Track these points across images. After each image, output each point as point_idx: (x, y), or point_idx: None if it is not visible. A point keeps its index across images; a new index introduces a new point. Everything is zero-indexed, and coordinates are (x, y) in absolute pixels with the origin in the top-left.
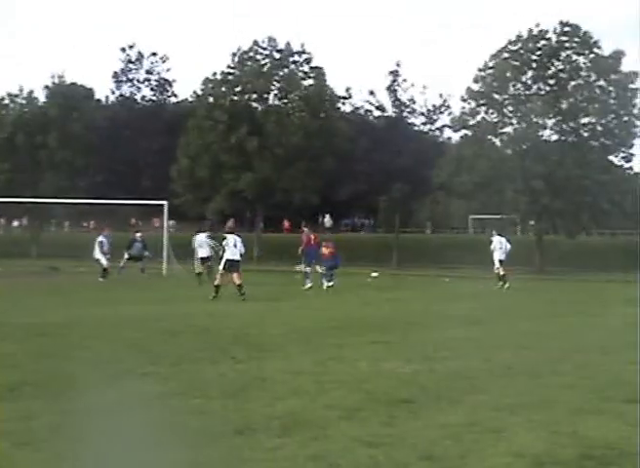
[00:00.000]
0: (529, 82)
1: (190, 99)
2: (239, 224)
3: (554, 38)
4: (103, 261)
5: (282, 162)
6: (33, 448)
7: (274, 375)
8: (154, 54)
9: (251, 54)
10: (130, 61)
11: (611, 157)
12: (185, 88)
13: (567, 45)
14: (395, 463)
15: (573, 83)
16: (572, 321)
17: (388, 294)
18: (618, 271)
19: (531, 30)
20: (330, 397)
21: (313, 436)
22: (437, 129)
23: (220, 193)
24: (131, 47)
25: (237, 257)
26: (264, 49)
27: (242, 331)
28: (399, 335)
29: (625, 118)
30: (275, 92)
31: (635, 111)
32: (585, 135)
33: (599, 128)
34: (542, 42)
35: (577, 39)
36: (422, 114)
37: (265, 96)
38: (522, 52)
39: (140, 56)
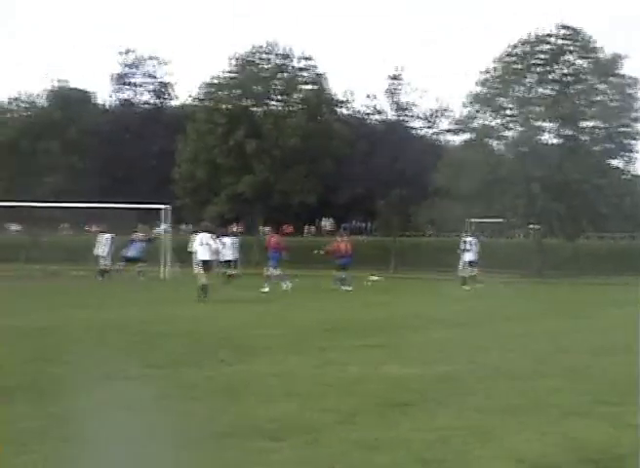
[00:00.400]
0: (531, 85)
1: (189, 103)
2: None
3: (556, 41)
4: (104, 261)
5: (280, 164)
6: (19, 451)
7: (266, 378)
8: (154, 57)
9: (250, 58)
10: (129, 65)
11: (612, 161)
12: (185, 90)
13: (570, 48)
14: (390, 466)
15: (575, 86)
16: (565, 323)
17: (384, 297)
18: (616, 274)
19: (533, 34)
20: (323, 400)
21: (307, 439)
22: (437, 133)
23: (220, 196)
24: (129, 51)
25: (206, 257)
26: (266, 53)
27: (233, 334)
28: (393, 338)
29: (627, 121)
30: (274, 95)
31: (636, 114)
32: (586, 138)
33: (600, 131)
34: (546, 46)
35: (578, 43)
36: (422, 118)
37: (263, 98)
38: (524, 55)
39: (140, 59)
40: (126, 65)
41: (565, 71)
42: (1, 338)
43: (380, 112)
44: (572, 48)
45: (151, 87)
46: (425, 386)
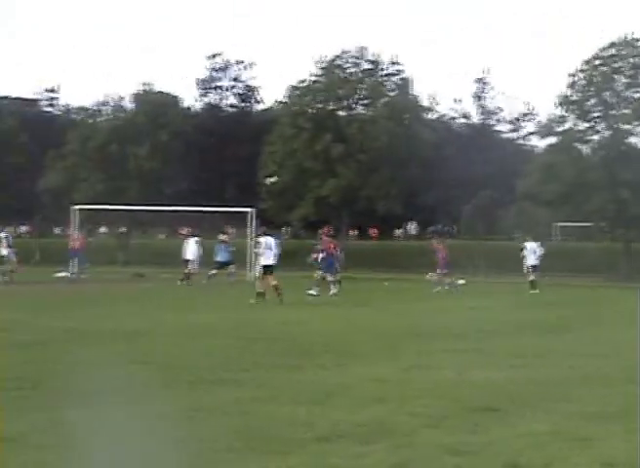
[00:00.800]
0: (619, 88)
1: (275, 107)
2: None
3: None
4: (191, 265)
5: (365, 168)
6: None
7: (361, 383)
8: (240, 61)
9: (337, 62)
10: (215, 70)
11: None
12: (270, 94)
13: None
14: None
15: None
16: None
17: (471, 302)
18: None
19: (622, 37)
20: (414, 404)
21: (398, 443)
22: (522, 136)
23: (305, 199)
24: (216, 55)
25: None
26: (356, 58)
27: (327, 338)
28: (482, 343)
29: None
30: (360, 100)
31: None
32: None
33: None
34: (635, 50)
35: None
36: (509, 121)
37: (350, 104)
38: (613, 58)
39: (227, 63)
40: (213, 69)
41: None
42: (96, 341)
43: (466, 117)
44: None
45: (237, 90)
46: (516, 391)
